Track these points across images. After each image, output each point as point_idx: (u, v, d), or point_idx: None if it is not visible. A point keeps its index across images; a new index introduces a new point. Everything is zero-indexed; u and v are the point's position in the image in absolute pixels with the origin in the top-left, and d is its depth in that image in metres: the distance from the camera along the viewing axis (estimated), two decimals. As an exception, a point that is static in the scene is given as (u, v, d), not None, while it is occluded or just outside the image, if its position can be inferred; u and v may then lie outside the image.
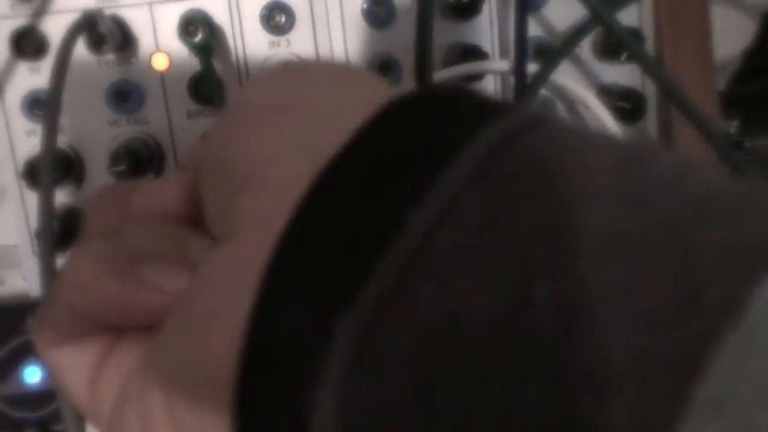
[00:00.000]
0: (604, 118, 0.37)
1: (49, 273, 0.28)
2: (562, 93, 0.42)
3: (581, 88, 0.37)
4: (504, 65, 0.40)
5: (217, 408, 0.20)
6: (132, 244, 0.24)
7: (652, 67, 0.35)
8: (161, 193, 0.26)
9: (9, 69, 0.39)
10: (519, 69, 0.40)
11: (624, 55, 0.38)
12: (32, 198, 0.40)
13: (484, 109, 0.19)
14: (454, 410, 0.16)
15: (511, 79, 0.41)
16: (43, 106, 0.38)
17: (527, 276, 0.16)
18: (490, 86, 0.42)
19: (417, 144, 0.18)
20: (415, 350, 0.16)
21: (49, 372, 0.26)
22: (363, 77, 0.23)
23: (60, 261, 0.40)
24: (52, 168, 0.29)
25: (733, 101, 0.46)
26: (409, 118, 0.19)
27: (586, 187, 0.17)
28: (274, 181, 0.20)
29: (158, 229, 0.25)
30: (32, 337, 0.26)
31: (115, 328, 0.25)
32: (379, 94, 0.21)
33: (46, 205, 0.29)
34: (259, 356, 0.19)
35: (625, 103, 0.39)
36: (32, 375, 0.42)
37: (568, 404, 0.15)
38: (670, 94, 0.34)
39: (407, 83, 0.40)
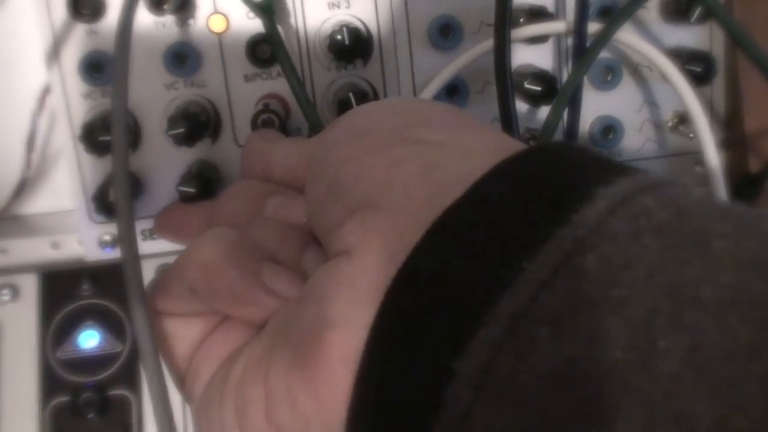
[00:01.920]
0: (676, 80, 0.36)
1: (128, 237, 0.28)
2: (625, 56, 0.41)
3: (650, 48, 0.36)
4: (561, 26, 0.39)
5: (318, 409, 0.21)
6: (258, 241, 0.26)
7: (729, 23, 0.34)
8: (296, 205, 0.28)
9: (66, 31, 0.39)
10: (578, 29, 0.39)
11: (695, 15, 0.37)
12: (88, 162, 0.40)
13: (601, 170, 0.20)
14: None
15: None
16: (111, 69, 0.38)
17: (651, 328, 0.16)
18: (549, 48, 0.41)
19: (539, 198, 0.19)
20: (533, 392, 0.17)
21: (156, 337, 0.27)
22: (473, 123, 0.25)
23: (113, 226, 0.40)
24: (125, 129, 0.29)
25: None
26: (532, 172, 0.20)
27: (704, 250, 0.17)
28: (394, 205, 0.21)
29: (283, 233, 0.26)
30: (148, 297, 0.27)
31: (220, 314, 0.27)
32: (492, 140, 0.23)
33: (122, 167, 0.28)
34: (375, 386, 0.20)
35: (695, 66, 0.38)
36: (88, 339, 0.42)
37: None
38: (750, 52, 0.33)
39: (467, 46, 0.39)
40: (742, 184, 0.37)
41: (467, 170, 0.21)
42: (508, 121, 0.35)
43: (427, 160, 0.22)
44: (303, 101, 0.37)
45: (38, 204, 0.45)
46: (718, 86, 0.41)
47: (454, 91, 0.40)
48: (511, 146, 0.22)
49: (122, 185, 0.28)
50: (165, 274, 0.27)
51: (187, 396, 0.28)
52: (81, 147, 0.39)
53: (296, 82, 0.37)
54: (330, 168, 0.24)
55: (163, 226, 0.38)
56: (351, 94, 0.38)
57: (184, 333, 0.27)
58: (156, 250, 0.41)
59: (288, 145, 0.30)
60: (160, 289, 0.27)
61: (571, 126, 0.40)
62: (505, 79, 0.35)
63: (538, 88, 0.38)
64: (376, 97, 0.40)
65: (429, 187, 0.21)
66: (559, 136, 0.41)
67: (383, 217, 0.21)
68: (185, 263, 0.26)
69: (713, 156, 0.35)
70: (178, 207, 0.38)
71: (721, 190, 0.35)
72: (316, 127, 0.37)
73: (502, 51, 0.35)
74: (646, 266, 0.17)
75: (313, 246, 0.26)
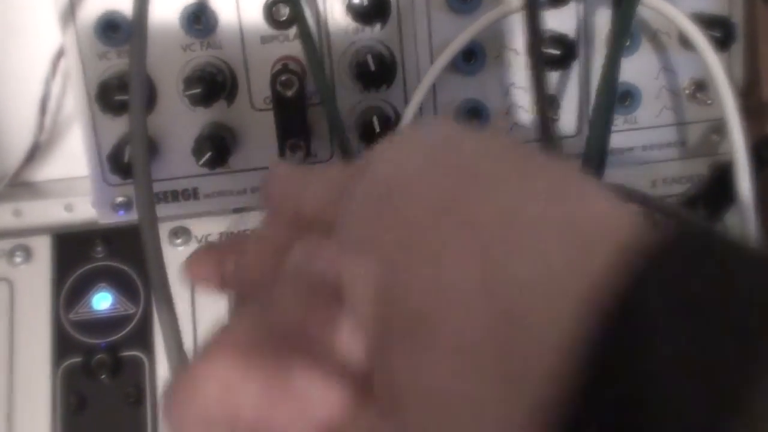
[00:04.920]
0: (698, 43, 0.35)
1: (145, 199, 0.27)
2: (644, 22, 0.41)
3: (673, 10, 0.36)
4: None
5: None
6: (283, 315, 0.21)
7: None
8: (324, 258, 0.21)
9: (82, -10, 0.39)
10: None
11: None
12: (103, 122, 0.40)
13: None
14: None
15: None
16: (127, 29, 0.38)
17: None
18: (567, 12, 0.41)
19: (719, 330, 0.14)
20: None
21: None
22: (551, 174, 0.18)
23: (127, 188, 0.40)
24: (144, 91, 0.29)
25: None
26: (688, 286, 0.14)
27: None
28: (453, 330, 0.16)
29: (309, 302, 0.21)
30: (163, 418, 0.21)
31: None
32: (587, 215, 0.16)
33: (140, 129, 0.28)
34: None
35: (715, 32, 0.38)
36: (101, 301, 0.42)
37: None
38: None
39: (485, 10, 0.39)
40: (761, 146, 0.37)
41: (545, 271, 0.15)
42: (539, 85, 0.34)
43: (486, 254, 0.16)
44: (313, 61, 0.37)
45: (50, 170, 0.45)
46: (736, 54, 0.41)
47: (471, 56, 0.40)
48: (622, 229, 0.16)
49: (140, 144, 0.28)
50: (174, 393, 0.21)
51: None
52: (96, 107, 0.39)
53: (311, 45, 0.37)
54: (355, 253, 0.19)
55: (194, 274, 0.32)
56: (369, 56, 0.38)
57: None
58: (169, 213, 0.41)
59: (317, 182, 0.25)
60: (172, 415, 0.21)
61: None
62: (536, 39, 0.35)
63: (557, 52, 0.38)
64: (393, 59, 0.39)
65: (495, 301, 0.16)
66: (573, 97, 0.41)
67: (442, 350, 0.16)
68: (197, 383, 0.21)
69: (734, 119, 0.35)
70: (206, 255, 0.32)
71: (741, 154, 0.35)
72: (324, 92, 0.37)
73: (533, 11, 0.35)
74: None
75: (343, 320, 0.21)
